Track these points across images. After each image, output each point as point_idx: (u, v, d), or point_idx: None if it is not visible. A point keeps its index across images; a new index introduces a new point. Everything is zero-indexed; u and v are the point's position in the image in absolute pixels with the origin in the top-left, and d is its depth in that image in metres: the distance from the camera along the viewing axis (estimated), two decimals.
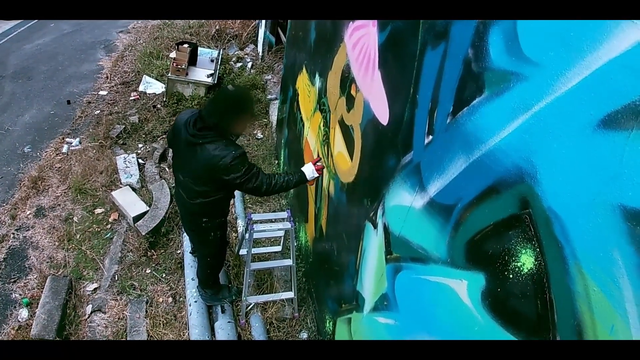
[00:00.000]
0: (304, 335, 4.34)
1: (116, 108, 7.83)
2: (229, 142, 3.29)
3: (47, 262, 4.91)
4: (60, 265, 4.89)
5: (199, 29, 10.68)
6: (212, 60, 8.48)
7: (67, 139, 7.00)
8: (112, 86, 8.60)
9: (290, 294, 4.37)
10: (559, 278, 1.38)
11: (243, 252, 4.62)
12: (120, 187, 5.90)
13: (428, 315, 2.21)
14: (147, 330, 4.24)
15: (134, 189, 5.89)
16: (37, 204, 5.69)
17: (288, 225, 4.08)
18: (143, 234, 5.09)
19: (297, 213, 5.13)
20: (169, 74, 7.76)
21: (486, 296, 1.73)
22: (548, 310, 1.43)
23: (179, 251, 5.11)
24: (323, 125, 4.02)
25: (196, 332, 4.11)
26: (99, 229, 5.39)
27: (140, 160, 6.52)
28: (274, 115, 7.38)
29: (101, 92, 8.40)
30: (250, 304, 4.42)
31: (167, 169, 6.43)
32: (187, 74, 7.84)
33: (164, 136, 7.01)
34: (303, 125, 4.86)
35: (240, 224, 5.28)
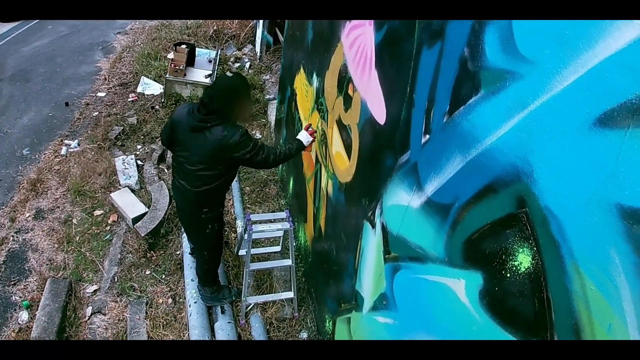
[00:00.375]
0: (304, 335, 4.34)
1: (114, 109, 7.82)
2: (234, 124, 3.47)
3: (47, 265, 4.90)
4: (59, 268, 4.88)
5: (196, 29, 10.67)
6: (210, 61, 8.48)
7: (66, 141, 6.99)
8: (110, 88, 8.59)
9: (289, 294, 4.37)
10: (556, 277, 1.38)
11: (242, 252, 4.62)
12: (119, 189, 5.89)
13: (427, 314, 2.21)
14: (147, 332, 4.24)
15: (132, 191, 5.88)
16: (36, 206, 5.68)
17: (287, 225, 4.08)
18: (142, 235, 5.09)
19: (296, 213, 5.12)
20: (167, 75, 7.75)
21: (484, 295, 1.73)
22: (545, 309, 1.43)
23: (178, 252, 5.10)
24: (321, 125, 4.02)
25: (196, 332, 4.10)
26: (98, 231, 5.38)
27: (139, 162, 6.51)
28: (272, 115, 7.37)
29: (99, 94, 8.39)
30: (250, 304, 4.42)
31: (165, 170, 6.43)
32: (185, 75, 7.83)
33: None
34: (301, 125, 4.85)
35: (240, 225, 5.28)
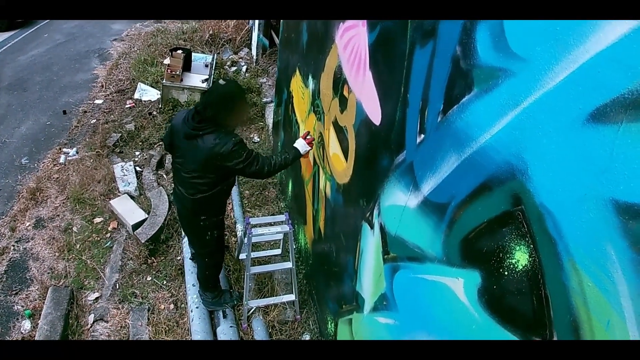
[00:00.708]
0: (306, 338, 4.33)
1: (112, 116, 7.84)
2: (227, 131, 3.41)
3: (48, 273, 4.91)
4: (61, 276, 4.88)
5: (192, 34, 10.70)
6: (206, 66, 8.49)
7: (64, 149, 7.01)
8: (108, 95, 8.61)
9: (291, 297, 4.36)
10: (554, 274, 1.38)
11: (243, 256, 4.61)
12: (119, 196, 5.90)
13: (427, 314, 2.20)
14: (150, 338, 4.24)
15: (132, 197, 5.88)
16: (36, 215, 5.68)
17: (286, 228, 4.07)
18: (143, 241, 5.09)
19: (296, 215, 5.12)
20: (164, 81, 7.76)
21: (482, 294, 1.73)
22: (544, 306, 1.43)
23: (179, 257, 5.10)
24: (317, 127, 4.02)
25: (198, 337, 4.10)
26: (98, 238, 5.38)
27: (137, 168, 6.52)
28: (269, 118, 7.38)
29: (97, 101, 8.41)
30: (252, 307, 4.42)
31: (164, 175, 6.43)
32: (181, 80, 7.85)
33: (160, 143, 7.01)
34: (298, 127, 4.86)
35: (239, 229, 5.28)
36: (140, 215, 5.49)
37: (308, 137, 3.86)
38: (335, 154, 3.50)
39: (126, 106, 8.12)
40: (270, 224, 4.26)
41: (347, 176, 3.25)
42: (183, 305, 4.60)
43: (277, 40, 8.19)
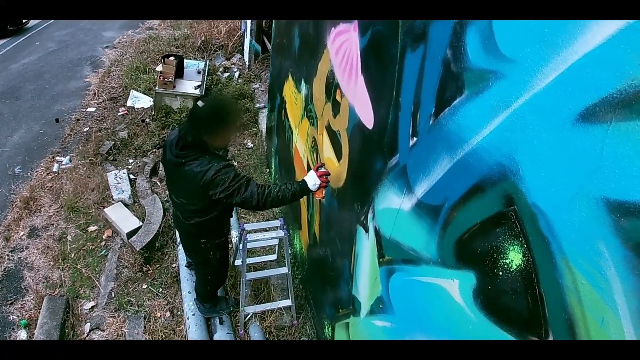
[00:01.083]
0: None
1: (105, 124, 7.83)
2: (213, 157, 3.14)
3: (43, 283, 4.88)
4: (56, 285, 4.86)
5: (184, 40, 10.72)
6: (199, 72, 8.50)
7: (57, 158, 6.99)
8: (100, 102, 8.60)
9: (287, 302, 4.36)
10: (548, 273, 1.38)
11: (238, 262, 4.61)
12: (113, 204, 5.88)
13: (423, 316, 2.21)
14: None
15: (126, 205, 5.87)
16: (30, 224, 5.66)
17: (281, 233, 4.07)
18: (137, 249, 5.08)
19: (291, 220, 5.13)
20: (157, 88, 7.77)
21: (477, 294, 1.74)
22: (539, 305, 1.43)
23: (174, 265, 5.09)
24: (311, 132, 4.02)
25: None
26: (93, 247, 5.36)
27: (131, 176, 6.51)
28: (263, 124, 7.39)
29: (89, 109, 8.40)
30: (248, 314, 4.41)
31: (158, 183, 6.42)
32: (174, 87, 7.85)
33: (154, 150, 7.01)
34: (292, 132, 4.86)
35: (234, 235, 5.27)
36: (135, 223, 5.48)
37: (321, 169, 3.24)
38: (329, 158, 3.51)
39: (119, 114, 8.11)
40: (265, 230, 4.26)
41: (341, 180, 3.26)
42: (179, 312, 4.58)
43: (269, 46, 8.22)
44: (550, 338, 1.41)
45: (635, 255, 1.12)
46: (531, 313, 1.47)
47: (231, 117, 3.30)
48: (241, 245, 4.04)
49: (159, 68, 8.26)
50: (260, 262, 4.89)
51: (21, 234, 5.51)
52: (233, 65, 9.96)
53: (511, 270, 1.54)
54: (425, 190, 2.06)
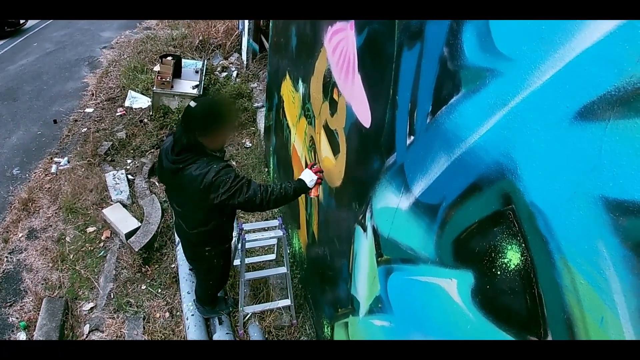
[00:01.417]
0: None
1: (103, 125, 7.81)
2: (211, 159, 3.07)
3: (42, 284, 4.87)
4: (55, 287, 4.85)
5: (182, 40, 10.70)
6: (196, 72, 8.49)
7: (56, 159, 6.97)
8: (98, 103, 8.58)
9: (286, 302, 4.35)
10: (546, 272, 1.38)
11: (237, 262, 4.60)
12: (111, 204, 5.87)
13: (421, 315, 2.20)
14: None
15: (124, 206, 5.86)
16: (29, 226, 5.65)
17: (280, 233, 4.07)
18: (136, 250, 5.07)
19: (289, 220, 5.12)
20: (154, 88, 7.75)
21: (476, 294, 1.73)
22: (537, 305, 1.43)
23: (173, 265, 5.08)
24: (309, 131, 4.01)
25: None
26: (92, 248, 5.35)
27: (129, 176, 6.50)
28: (261, 123, 7.38)
29: (87, 110, 8.38)
30: (248, 314, 4.40)
31: (157, 183, 6.41)
32: (172, 87, 7.84)
33: (152, 151, 7.00)
34: (290, 131, 4.85)
35: (233, 234, 5.26)
36: (134, 223, 5.47)
37: (315, 166, 3.37)
38: (326, 158, 3.50)
39: (117, 114, 8.09)
40: (264, 229, 4.25)
41: (339, 179, 3.25)
42: (178, 313, 4.58)
43: (267, 45, 8.21)
44: (549, 338, 1.40)
45: (634, 254, 1.11)
46: (530, 313, 1.46)
47: (225, 115, 3.23)
48: (240, 245, 4.03)
49: (157, 68, 8.24)
50: (259, 261, 4.89)
51: (20, 235, 5.49)
52: (231, 65, 9.95)
53: (509, 269, 1.53)
54: (423, 189, 2.05)
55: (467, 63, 1.66)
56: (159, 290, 4.83)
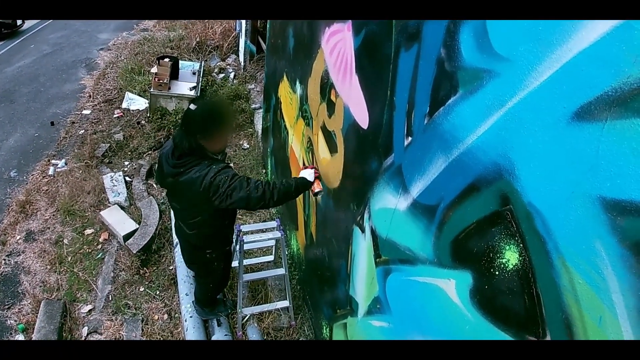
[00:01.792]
0: None
1: (100, 127, 7.80)
2: (212, 161, 3.06)
3: (40, 287, 4.86)
4: (53, 289, 4.84)
5: (179, 42, 10.69)
6: (194, 73, 8.48)
7: (53, 161, 6.96)
8: (95, 105, 8.57)
9: (285, 303, 4.35)
10: (544, 272, 1.38)
11: (235, 263, 4.60)
12: (109, 207, 5.86)
13: (420, 316, 2.20)
14: None
15: (122, 208, 5.85)
16: (27, 228, 5.64)
17: (278, 234, 4.07)
18: (134, 252, 5.06)
19: (287, 221, 5.12)
20: (152, 89, 7.74)
21: (474, 294, 1.73)
22: (536, 305, 1.43)
23: (171, 267, 5.07)
24: (306, 132, 4.01)
25: None
26: (89, 250, 5.34)
27: (127, 178, 6.49)
28: (259, 125, 7.37)
29: (84, 112, 8.36)
30: (246, 315, 4.40)
31: (154, 185, 6.40)
32: (169, 88, 7.83)
33: (149, 152, 6.99)
34: (287, 132, 4.85)
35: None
36: (131, 225, 5.46)
37: (308, 166, 3.39)
38: (324, 159, 3.50)
39: (114, 116, 8.08)
40: (262, 231, 4.25)
41: (337, 180, 3.25)
42: (177, 315, 4.57)
43: (264, 46, 8.21)
44: (548, 338, 1.40)
45: (632, 253, 1.11)
46: (528, 312, 1.47)
47: (226, 116, 3.25)
48: (238, 246, 4.03)
49: (154, 70, 8.24)
50: (258, 263, 4.88)
51: (17, 238, 5.48)
52: (228, 66, 9.95)
53: (508, 269, 1.53)
54: (421, 190, 2.06)
55: (465, 64, 1.66)
56: (157, 292, 4.82)
